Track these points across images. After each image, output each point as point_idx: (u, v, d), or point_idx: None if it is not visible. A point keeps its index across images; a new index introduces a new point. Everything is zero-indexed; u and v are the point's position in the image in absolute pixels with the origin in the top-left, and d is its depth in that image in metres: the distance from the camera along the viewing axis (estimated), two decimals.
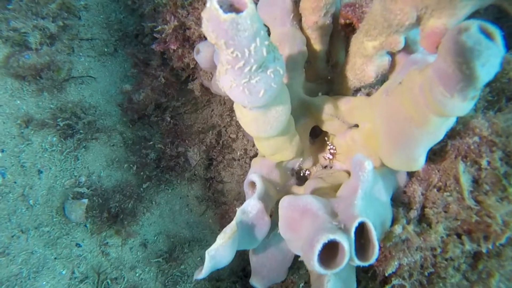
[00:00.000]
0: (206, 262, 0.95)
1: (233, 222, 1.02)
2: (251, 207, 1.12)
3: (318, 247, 0.76)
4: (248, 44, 0.69)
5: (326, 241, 0.77)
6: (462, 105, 0.82)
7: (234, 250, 1.00)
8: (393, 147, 1.02)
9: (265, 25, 1.46)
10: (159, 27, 1.76)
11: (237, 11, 0.66)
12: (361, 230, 0.94)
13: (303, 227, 0.93)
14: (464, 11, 0.81)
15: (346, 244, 0.77)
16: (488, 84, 1.72)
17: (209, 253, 0.95)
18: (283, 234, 1.02)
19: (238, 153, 2.40)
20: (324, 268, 0.78)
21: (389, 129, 1.01)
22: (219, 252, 0.96)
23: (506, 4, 0.79)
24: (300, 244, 0.91)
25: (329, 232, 0.78)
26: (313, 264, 0.77)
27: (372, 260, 0.84)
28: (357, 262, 0.83)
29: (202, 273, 0.96)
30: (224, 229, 1.00)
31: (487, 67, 0.71)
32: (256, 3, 1.35)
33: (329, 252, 0.87)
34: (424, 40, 0.89)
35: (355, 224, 0.83)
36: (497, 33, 0.73)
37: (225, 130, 2.38)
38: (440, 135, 0.99)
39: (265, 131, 1.01)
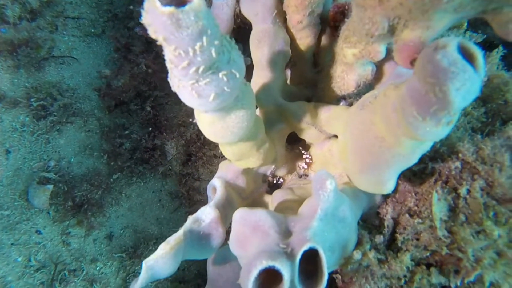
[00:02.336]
0: (143, 273, 0.86)
1: (181, 231, 0.94)
2: (205, 215, 1.04)
3: (255, 273, 0.68)
4: (192, 43, 0.60)
5: (264, 267, 0.69)
6: (435, 130, 0.74)
7: (177, 262, 0.92)
8: (360, 166, 0.94)
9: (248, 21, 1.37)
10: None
11: (183, 3, 0.57)
12: (315, 253, 0.86)
13: (251, 245, 0.85)
14: (441, 23, 0.72)
15: (286, 273, 0.69)
16: (484, 105, 1.63)
17: (147, 263, 0.87)
18: (232, 250, 0.93)
19: (220, 150, 2.31)
20: None
21: (358, 146, 0.93)
22: (159, 263, 0.87)
23: (489, 18, 0.70)
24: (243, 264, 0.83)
25: (269, 257, 0.69)
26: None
27: None
28: None
29: (138, 284, 0.87)
30: (168, 238, 0.91)
31: (462, 92, 0.63)
32: None
33: (275, 276, 0.79)
34: (398, 54, 0.80)
35: (303, 249, 0.75)
36: (478, 55, 0.64)
37: None
38: (413, 160, 0.90)
39: (223, 137, 0.92)
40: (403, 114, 0.75)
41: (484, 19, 0.73)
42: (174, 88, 0.73)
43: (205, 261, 2.14)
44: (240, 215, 0.92)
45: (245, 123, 0.91)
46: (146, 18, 0.58)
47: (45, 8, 2.03)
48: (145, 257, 1.99)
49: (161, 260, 0.86)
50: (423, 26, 0.73)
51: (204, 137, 2.34)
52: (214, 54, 0.64)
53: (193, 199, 2.25)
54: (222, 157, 2.29)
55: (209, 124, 0.89)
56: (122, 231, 2.01)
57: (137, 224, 2.05)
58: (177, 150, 2.12)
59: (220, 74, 0.69)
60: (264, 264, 0.68)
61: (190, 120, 2.23)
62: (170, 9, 0.55)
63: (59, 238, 1.85)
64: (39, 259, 1.79)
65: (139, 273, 1.94)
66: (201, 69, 0.65)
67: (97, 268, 1.89)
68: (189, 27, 0.57)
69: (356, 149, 0.94)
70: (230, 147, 1.08)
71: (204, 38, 0.60)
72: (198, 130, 2.28)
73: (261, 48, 1.22)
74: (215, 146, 2.34)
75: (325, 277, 0.78)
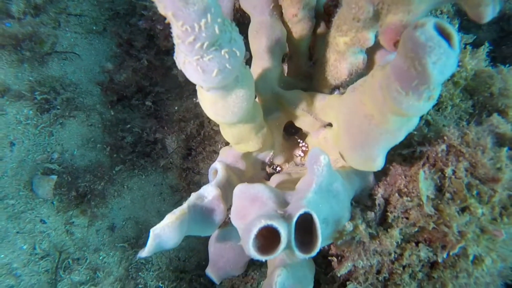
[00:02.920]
0: (150, 240, 0.92)
1: (185, 204, 1.01)
2: (207, 192, 1.10)
3: (254, 231, 0.75)
4: (197, 18, 0.67)
5: (263, 226, 0.75)
6: (417, 105, 0.81)
7: (181, 233, 0.98)
8: (352, 144, 1.01)
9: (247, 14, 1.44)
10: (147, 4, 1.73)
11: None
12: (311, 223, 0.92)
13: (251, 215, 0.91)
14: (421, 7, 0.80)
15: (283, 231, 0.76)
16: (471, 98, 1.71)
17: (154, 231, 0.93)
18: (234, 222, 1.00)
19: (219, 146, 2.38)
20: (260, 254, 0.76)
21: (349, 125, 1.00)
22: (165, 231, 0.93)
23: (462, 2, 0.77)
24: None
25: (267, 218, 0.76)
26: (248, 248, 0.75)
27: (313, 252, 0.83)
28: (297, 253, 0.81)
29: (145, 252, 0.93)
30: (173, 210, 0.98)
31: (439, 65, 0.70)
32: None
33: (273, 242, 0.85)
34: (382, 36, 0.88)
35: (299, 213, 0.81)
36: (454, 34, 0.72)
37: (208, 122, 2.35)
38: (399, 137, 0.97)
39: (223, 116, 0.99)
40: (388, 91, 0.82)
41: (458, 3, 0.81)
42: (180, 65, 0.80)
43: (205, 252, 2.19)
44: (240, 189, 0.98)
45: (244, 103, 0.98)
46: None
47: (49, 4, 2.10)
48: None
49: (167, 228, 0.92)
50: (405, 11, 0.81)
51: (204, 133, 2.41)
52: (217, 31, 0.71)
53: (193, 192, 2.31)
54: None
55: (211, 103, 0.95)
56: (124, 223, 2.07)
57: (139, 216, 2.11)
58: (177, 144, 2.18)
59: (223, 52, 0.76)
60: (262, 223, 0.75)
61: (191, 114, 2.30)
62: None
63: (63, 228, 1.90)
64: (44, 247, 1.84)
65: (142, 262, 1.99)
66: (205, 44, 0.72)
67: (100, 258, 1.94)
68: (196, 4, 0.64)
69: (348, 128, 1.01)
70: (230, 129, 1.14)
71: (209, 15, 0.67)
72: (198, 125, 2.35)
73: (258, 38, 1.30)
74: (215, 141, 2.41)
75: (319, 241, 0.84)
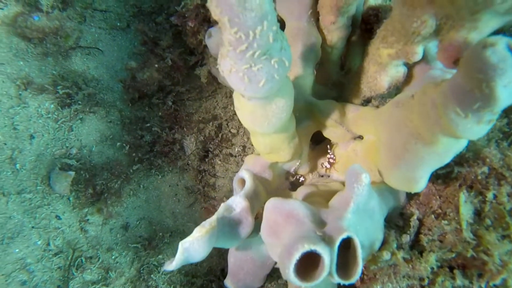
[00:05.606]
0: (179, 254, 0.88)
1: (214, 217, 0.96)
2: (235, 204, 1.06)
3: (296, 256, 0.70)
4: (253, 25, 0.62)
5: (306, 251, 0.70)
6: (475, 128, 0.75)
7: (210, 246, 0.93)
8: (394, 162, 0.95)
9: (281, 19, 1.40)
10: (183, 2, 1.69)
11: None
12: (347, 246, 0.87)
13: (286, 232, 0.87)
14: (488, 25, 0.74)
15: (327, 257, 0.71)
16: (506, 115, 1.64)
17: (183, 245, 0.88)
18: (264, 238, 0.95)
19: (236, 149, 2.33)
20: (299, 279, 0.71)
21: (392, 142, 0.94)
22: (194, 246, 0.89)
23: None
24: (280, 250, 0.84)
25: (310, 242, 0.71)
26: (289, 273, 0.70)
27: (353, 279, 0.78)
28: (337, 279, 0.76)
29: (173, 265, 0.89)
30: (203, 223, 0.93)
31: (509, 88, 0.64)
32: None
33: (309, 264, 0.80)
34: (441, 53, 0.82)
35: (341, 237, 0.76)
36: None
37: (227, 124, 2.31)
38: (446, 158, 0.92)
39: (261, 126, 0.94)
40: (445, 111, 0.77)
41: None
42: (225, 72, 0.75)
43: (217, 257, 2.15)
44: (273, 204, 0.93)
45: (284, 113, 0.94)
46: (213, 1, 0.61)
47: None
48: (160, 249, 2.02)
49: (196, 242, 0.87)
50: (470, 27, 0.75)
51: (222, 135, 2.37)
52: (271, 40, 0.67)
53: (208, 195, 2.27)
54: (238, 156, 2.31)
55: (250, 112, 0.91)
56: (138, 222, 2.03)
57: (153, 216, 2.07)
58: (196, 146, 2.14)
59: (272, 61, 0.72)
60: (306, 247, 0.70)
61: (209, 116, 2.26)
62: None
63: (77, 225, 1.87)
64: (58, 244, 1.81)
65: (154, 264, 1.96)
66: (256, 53, 0.68)
67: (113, 257, 1.90)
68: (254, 10, 0.60)
69: (390, 146, 0.96)
70: (263, 139, 1.10)
71: (265, 23, 0.63)
72: (217, 127, 2.31)
73: (294, 44, 1.25)
74: (231, 144, 2.36)
75: (360, 267, 0.79)
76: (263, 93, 0.77)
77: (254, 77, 0.72)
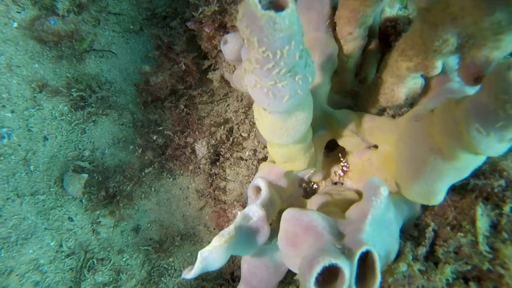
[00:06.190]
0: (197, 263, 0.89)
1: (232, 226, 0.97)
2: (252, 213, 1.06)
3: (318, 269, 0.71)
4: (281, 45, 0.63)
5: (327, 265, 0.71)
6: (497, 146, 0.76)
7: (228, 255, 0.94)
8: (412, 176, 0.96)
9: None
10: (200, 8, 1.70)
11: (277, 8, 0.61)
12: (364, 257, 0.88)
13: (305, 244, 0.87)
14: (511, 44, 0.75)
15: (347, 271, 0.71)
16: None
17: (202, 254, 0.89)
18: (281, 248, 0.96)
19: (247, 153, 2.34)
20: None
21: (411, 156, 0.95)
22: (213, 255, 0.90)
23: None
24: (297, 261, 0.85)
25: (331, 255, 0.72)
26: (309, 286, 0.71)
27: None
28: None
29: (191, 274, 0.90)
30: (222, 232, 0.94)
31: None
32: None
33: (327, 275, 0.81)
34: (462, 70, 0.83)
35: (360, 251, 0.77)
36: None
37: (238, 128, 2.32)
38: (466, 173, 0.92)
39: (280, 138, 0.95)
40: (467, 128, 0.77)
41: None
42: (249, 87, 0.76)
43: (227, 261, 2.16)
44: (291, 215, 0.94)
45: (303, 126, 0.94)
46: (242, 20, 0.62)
47: (91, 2, 2.10)
48: (171, 252, 2.03)
49: (215, 251, 0.88)
50: (492, 46, 0.75)
51: (233, 139, 2.37)
52: (297, 58, 0.67)
53: (219, 198, 2.28)
54: (248, 160, 2.32)
55: (270, 124, 0.92)
56: (149, 225, 2.05)
57: (164, 219, 2.09)
58: (207, 149, 2.16)
59: (297, 78, 0.72)
60: (327, 261, 0.71)
61: (221, 120, 2.27)
62: (269, 13, 0.58)
63: (89, 227, 1.89)
64: (70, 245, 1.83)
65: (164, 267, 1.97)
66: (282, 71, 0.68)
67: (124, 259, 1.92)
68: (283, 31, 0.61)
69: (409, 159, 0.96)
70: (280, 149, 1.11)
71: (293, 42, 0.64)
72: (228, 131, 2.32)
73: (312, 54, 1.25)
74: (242, 148, 2.37)
75: (378, 280, 0.80)
76: (285, 108, 0.78)
77: (278, 93, 0.73)
